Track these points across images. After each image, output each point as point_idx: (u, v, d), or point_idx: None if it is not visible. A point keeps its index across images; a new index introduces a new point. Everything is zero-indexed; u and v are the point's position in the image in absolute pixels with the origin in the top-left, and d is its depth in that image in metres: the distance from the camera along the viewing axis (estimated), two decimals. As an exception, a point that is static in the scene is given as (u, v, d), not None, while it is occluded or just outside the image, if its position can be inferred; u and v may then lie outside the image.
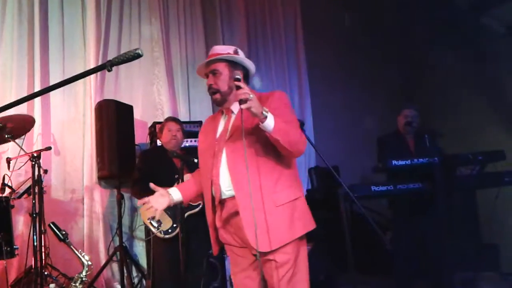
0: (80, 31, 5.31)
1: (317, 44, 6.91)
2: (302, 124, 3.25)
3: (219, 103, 2.49)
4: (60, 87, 1.71)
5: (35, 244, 3.90)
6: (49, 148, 4.37)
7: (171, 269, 3.87)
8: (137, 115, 5.23)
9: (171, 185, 2.81)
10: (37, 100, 4.85)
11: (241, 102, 2.11)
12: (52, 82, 4.97)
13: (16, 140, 4.11)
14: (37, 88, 4.84)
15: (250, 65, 2.52)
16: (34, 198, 3.99)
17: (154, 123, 4.98)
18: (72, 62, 5.19)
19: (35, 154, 4.07)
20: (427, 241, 4.22)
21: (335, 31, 7.06)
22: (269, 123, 2.16)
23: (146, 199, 2.50)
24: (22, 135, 4.31)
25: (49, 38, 5.11)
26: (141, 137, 5.22)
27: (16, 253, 3.91)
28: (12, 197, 4.10)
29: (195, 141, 4.79)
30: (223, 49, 2.50)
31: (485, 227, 5.15)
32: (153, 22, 5.71)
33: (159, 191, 2.52)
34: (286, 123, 2.25)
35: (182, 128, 4.28)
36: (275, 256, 2.30)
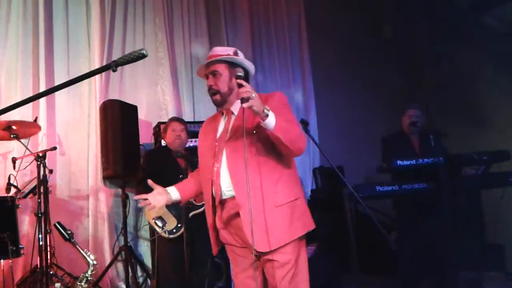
0: (85, 31, 5.32)
1: (321, 44, 6.90)
2: (306, 124, 3.26)
3: (219, 104, 2.49)
4: (65, 87, 1.72)
5: (41, 243, 3.92)
6: (54, 148, 4.39)
7: (175, 269, 3.88)
8: (141, 115, 5.23)
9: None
10: (42, 100, 4.86)
11: (243, 100, 2.11)
12: (57, 82, 4.98)
13: (22, 140, 4.14)
14: (42, 88, 4.85)
15: (250, 66, 2.53)
16: (39, 198, 4.01)
17: (159, 123, 4.98)
18: (77, 62, 5.20)
19: (40, 154, 4.10)
20: (432, 241, 4.21)
21: (339, 32, 7.05)
22: (271, 121, 2.17)
23: (143, 195, 2.51)
24: (27, 137, 4.34)
25: (54, 37, 5.12)
26: (145, 137, 5.23)
27: (21, 252, 3.93)
28: (18, 197, 4.12)
29: (199, 141, 4.79)
30: (223, 51, 2.51)
31: (490, 227, 5.13)
32: (157, 22, 5.71)
33: (157, 189, 2.53)
34: (286, 121, 2.26)
35: (186, 128, 4.29)
36: (275, 256, 2.30)
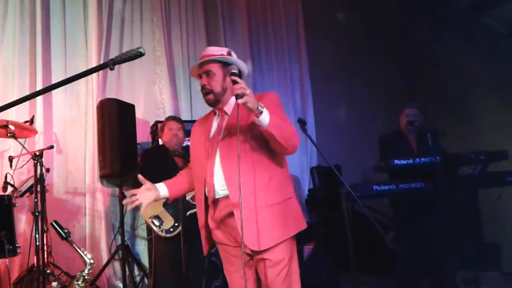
0: (82, 30, 5.30)
1: (319, 43, 6.90)
2: (304, 123, 3.26)
3: (212, 104, 2.49)
4: (62, 85, 1.71)
5: (37, 242, 3.91)
6: (51, 147, 4.38)
7: (172, 268, 3.88)
8: (139, 114, 5.23)
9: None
10: (39, 98, 4.85)
11: (238, 97, 2.12)
12: (54, 80, 4.97)
13: (18, 139, 4.13)
14: (39, 87, 4.84)
15: (243, 66, 2.53)
16: (36, 197, 4.00)
17: (156, 122, 4.98)
18: (74, 61, 5.19)
19: (37, 153, 4.09)
20: (429, 241, 4.22)
21: (336, 31, 7.05)
22: (265, 118, 2.18)
23: (132, 191, 2.50)
24: (23, 138, 4.33)
25: (51, 36, 5.11)
26: (143, 136, 5.22)
27: (18, 251, 3.92)
28: (14, 195, 4.11)
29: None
30: (216, 50, 2.51)
31: (487, 227, 5.14)
32: (155, 21, 5.71)
33: (146, 184, 2.51)
34: (280, 119, 2.28)
35: (183, 127, 4.28)
36: (268, 255, 2.31)
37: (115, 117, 4.77)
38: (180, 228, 3.78)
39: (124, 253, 4.69)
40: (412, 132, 4.48)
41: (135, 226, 5.17)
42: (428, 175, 4.07)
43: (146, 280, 4.84)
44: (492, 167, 4.33)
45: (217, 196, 2.39)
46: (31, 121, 4.40)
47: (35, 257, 3.92)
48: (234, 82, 2.18)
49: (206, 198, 2.44)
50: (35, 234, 3.92)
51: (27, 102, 4.61)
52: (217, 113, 2.53)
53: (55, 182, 4.86)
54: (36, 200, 3.99)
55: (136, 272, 4.94)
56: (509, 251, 5.15)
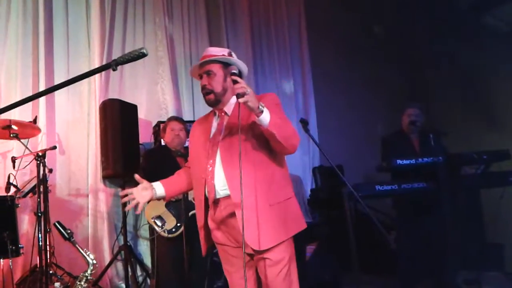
0: (85, 30, 5.32)
1: (321, 44, 6.91)
2: (306, 123, 3.26)
3: (213, 104, 2.49)
4: (65, 86, 1.72)
5: (40, 243, 3.92)
6: (54, 148, 4.39)
7: (175, 268, 3.88)
8: (141, 114, 5.24)
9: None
10: (42, 99, 4.86)
11: (238, 96, 2.13)
12: (57, 81, 4.98)
13: (21, 139, 4.13)
14: (42, 87, 4.85)
15: (244, 67, 2.53)
16: (39, 197, 4.00)
17: (158, 122, 4.99)
18: (77, 61, 5.20)
19: (40, 153, 4.09)
20: (432, 241, 4.21)
21: (339, 31, 7.05)
22: (265, 117, 2.19)
23: (128, 190, 2.50)
24: (26, 138, 4.34)
25: (53, 37, 5.12)
26: (145, 136, 5.24)
27: (21, 252, 3.92)
28: (17, 196, 4.12)
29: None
30: (217, 51, 2.51)
31: (490, 227, 5.13)
32: (157, 21, 5.72)
33: (142, 183, 2.50)
34: (280, 119, 2.28)
35: (185, 127, 4.28)
36: (269, 254, 2.32)
37: (118, 118, 4.78)
38: (182, 228, 3.78)
39: (127, 253, 4.69)
40: (414, 132, 4.47)
41: (137, 227, 5.18)
42: (430, 175, 4.07)
43: (148, 281, 4.84)
44: (495, 167, 4.32)
45: (217, 196, 2.39)
46: (34, 122, 4.42)
47: (38, 258, 3.92)
48: (235, 82, 2.19)
49: (205, 198, 2.44)
50: (38, 235, 3.93)
51: (30, 103, 4.63)
52: (217, 113, 2.54)
53: (58, 183, 4.87)
54: (39, 200, 3.99)
55: (139, 272, 4.95)
56: (512, 251, 5.15)
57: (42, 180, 4.05)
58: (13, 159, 4.23)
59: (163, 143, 4.43)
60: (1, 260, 3.90)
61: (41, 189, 4.04)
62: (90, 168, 5.01)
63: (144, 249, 5.15)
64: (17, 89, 4.81)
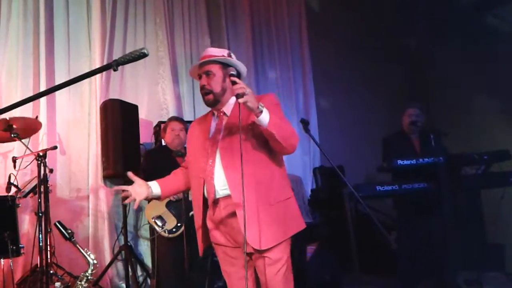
0: (86, 31, 5.32)
1: (322, 44, 6.90)
2: (306, 124, 3.26)
3: (211, 104, 2.49)
4: (66, 86, 1.71)
5: (41, 243, 3.91)
6: (54, 148, 4.39)
7: (175, 268, 3.88)
8: (142, 114, 5.23)
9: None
10: (43, 99, 4.86)
11: (238, 96, 2.14)
12: (58, 81, 4.98)
13: (22, 140, 4.13)
14: (42, 87, 4.85)
15: (243, 68, 2.53)
16: (39, 197, 4.00)
17: (159, 123, 4.99)
18: (78, 61, 5.20)
19: (40, 153, 4.08)
20: (432, 241, 4.21)
21: (339, 31, 7.05)
22: (265, 117, 2.20)
23: (124, 187, 2.48)
24: (28, 136, 4.33)
25: (54, 37, 5.12)
26: (146, 136, 5.23)
27: (22, 251, 3.93)
28: (18, 196, 4.11)
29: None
30: (217, 52, 2.52)
31: (490, 227, 5.13)
32: (158, 21, 5.72)
33: (137, 181, 2.48)
34: (279, 119, 2.30)
35: (185, 128, 4.28)
36: (268, 253, 2.32)
37: (119, 118, 4.79)
38: (182, 228, 3.78)
39: (127, 253, 4.69)
40: (415, 132, 4.47)
41: (138, 227, 5.17)
42: (431, 176, 4.07)
43: (149, 281, 4.84)
44: (495, 167, 4.32)
45: (217, 196, 2.39)
46: (35, 122, 4.41)
47: (38, 258, 3.92)
48: (234, 83, 2.21)
49: (204, 198, 2.44)
50: (39, 235, 3.92)
51: (31, 103, 4.62)
52: (216, 113, 2.54)
53: (58, 183, 4.87)
54: (39, 200, 3.99)
55: (139, 272, 4.94)
56: (512, 251, 5.15)
57: (43, 180, 4.05)
58: (14, 159, 4.23)
59: (163, 143, 4.44)
60: (2, 260, 3.90)
61: (42, 189, 4.03)
62: (91, 168, 5.01)
63: (144, 249, 5.15)
64: (17, 89, 4.81)
